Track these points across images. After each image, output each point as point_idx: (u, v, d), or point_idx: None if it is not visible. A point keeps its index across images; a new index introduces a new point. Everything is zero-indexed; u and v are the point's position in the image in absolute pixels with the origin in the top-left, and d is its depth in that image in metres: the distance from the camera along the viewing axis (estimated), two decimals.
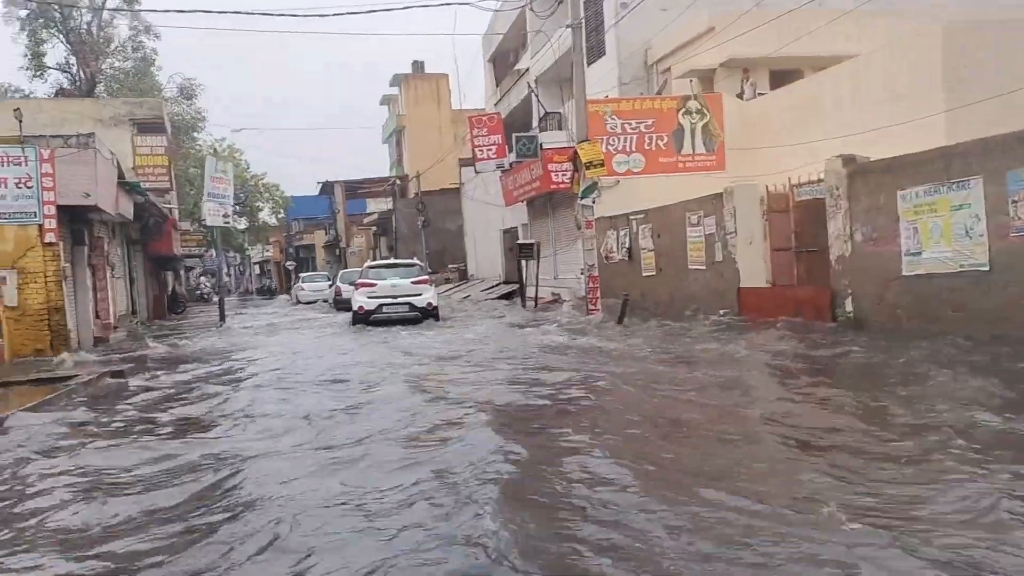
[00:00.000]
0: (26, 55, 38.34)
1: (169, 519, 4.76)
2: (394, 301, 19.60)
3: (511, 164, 25.15)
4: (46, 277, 14.75)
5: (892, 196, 10.55)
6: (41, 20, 37.47)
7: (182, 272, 49.97)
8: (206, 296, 50.70)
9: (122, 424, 8.08)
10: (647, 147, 19.52)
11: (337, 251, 56.63)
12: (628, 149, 19.40)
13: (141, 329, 23.22)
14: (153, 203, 24.90)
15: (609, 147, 18.51)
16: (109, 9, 38.58)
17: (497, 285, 29.22)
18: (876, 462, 5.07)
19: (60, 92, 36.56)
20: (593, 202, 16.99)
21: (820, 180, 12.13)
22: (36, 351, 14.57)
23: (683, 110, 19.48)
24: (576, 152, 16.96)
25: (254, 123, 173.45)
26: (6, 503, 5.31)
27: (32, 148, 14.53)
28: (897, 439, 5.59)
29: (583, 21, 19.18)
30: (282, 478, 5.42)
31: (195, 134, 45.10)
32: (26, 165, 14.41)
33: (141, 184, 23.60)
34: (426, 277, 21.10)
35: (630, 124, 19.42)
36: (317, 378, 10.66)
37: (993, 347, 8.48)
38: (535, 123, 26.52)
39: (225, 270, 64.72)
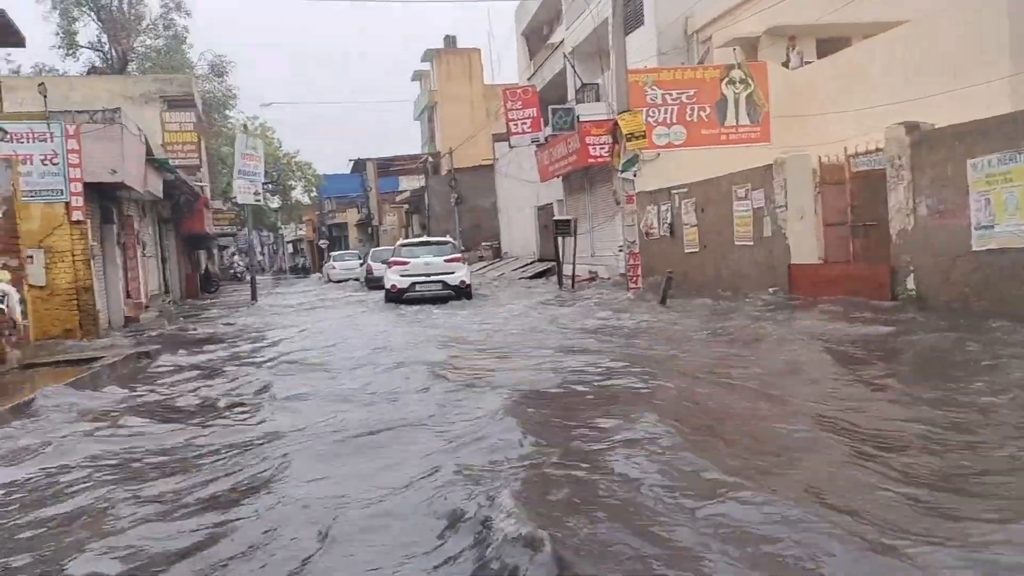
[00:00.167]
0: (58, 33, 38.29)
1: (200, 507, 4.51)
2: (427, 279, 19.26)
3: (546, 138, 24.37)
4: (74, 256, 14.42)
5: (961, 165, 9.79)
6: None
7: (215, 251, 50.03)
8: (239, 275, 50.60)
9: (143, 406, 7.73)
10: (688, 118, 18.83)
11: (369, 229, 56.23)
12: (669, 121, 18.74)
13: (173, 308, 23.02)
14: (183, 180, 24.60)
15: (649, 119, 17.85)
16: None
17: (532, 263, 28.65)
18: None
19: (92, 71, 36.50)
20: (634, 175, 16.32)
21: (878, 150, 11.38)
22: (65, 331, 14.29)
23: (726, 79, 18.76)
24: (616, 124, 16.29)
25: (286, 99, 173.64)
26: (33, 482, 5.15)
27: (58, 123, 14.17)
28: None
29: None
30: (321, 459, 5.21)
31: (227, 112, 44.93)
32: (51, 141, 14.05)
33: (170, 161, 23.33)
34: (459, 255, 20.65)
35: (671, 95, 18.72)
36: (353, 355, 10.28)
37: None
38: (571, 96, 25.76)
39: (258, 249, 64.96)
